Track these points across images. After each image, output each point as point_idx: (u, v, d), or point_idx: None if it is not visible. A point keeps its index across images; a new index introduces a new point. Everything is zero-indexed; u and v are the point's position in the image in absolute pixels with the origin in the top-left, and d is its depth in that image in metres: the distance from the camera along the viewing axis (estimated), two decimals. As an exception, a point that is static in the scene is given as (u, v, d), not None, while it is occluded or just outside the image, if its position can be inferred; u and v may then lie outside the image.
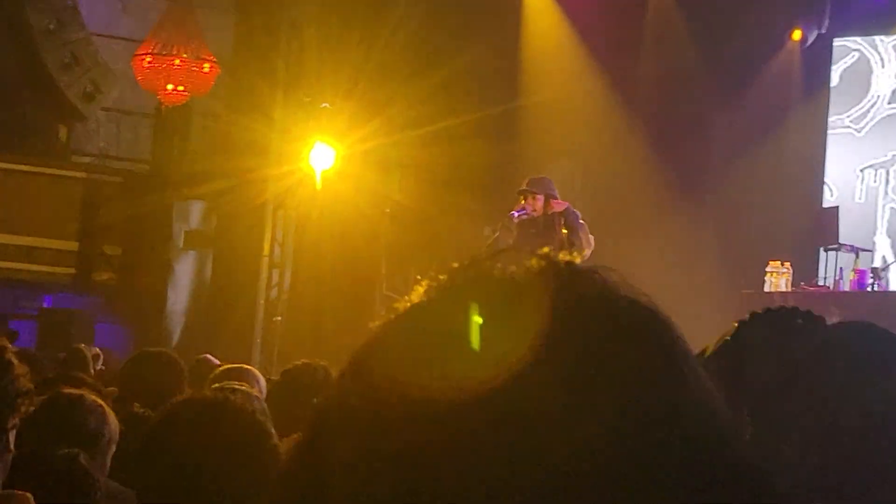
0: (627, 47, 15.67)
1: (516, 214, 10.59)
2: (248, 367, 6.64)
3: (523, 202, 10.66)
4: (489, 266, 0.94)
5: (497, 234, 10.93)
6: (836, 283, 13.69)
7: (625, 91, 15.70)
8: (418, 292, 0.95)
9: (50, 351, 12.31)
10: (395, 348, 0.92)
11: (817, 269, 14.49)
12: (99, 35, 14.88)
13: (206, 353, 10.54)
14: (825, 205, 15.43)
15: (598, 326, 0.91)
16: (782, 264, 13.49)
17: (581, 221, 10.67)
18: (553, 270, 0.93)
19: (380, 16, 14.32)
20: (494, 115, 15.17)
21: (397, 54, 14.57)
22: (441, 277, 0.95)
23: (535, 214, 10.60)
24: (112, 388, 6.51)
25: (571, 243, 10.46)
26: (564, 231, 10.56)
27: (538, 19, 15.74)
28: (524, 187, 10.74)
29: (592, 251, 10.65)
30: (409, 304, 0.95)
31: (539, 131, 15.96)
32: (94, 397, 4.38)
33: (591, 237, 10.74)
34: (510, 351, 0.87)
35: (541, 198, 10.60)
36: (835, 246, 14.19)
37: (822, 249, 14.55)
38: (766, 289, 13.41)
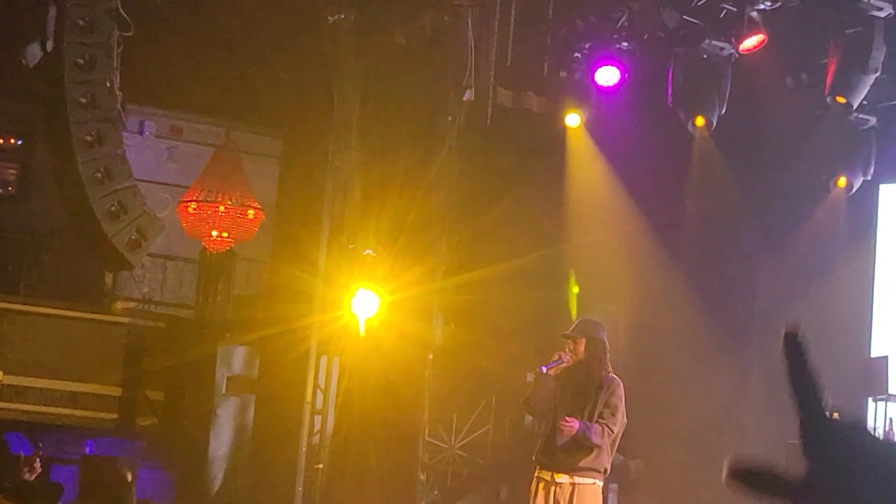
0: (672, 193, 15.70)
1: (545, 369, 10.49)
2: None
3: (568, 348, 10.57)
4: None
5: (533, 385, 10.83)
6: (887, 434, 13.46)
7: (669, 236, 15.69)
8: None
9: (92, 500, 12.25)
10: None
11: (866, 419, 14.27)
12: (145, 181, 15.06)
13: (247, 499, 10.49)
14: (874, 354, 15.25)
15: None
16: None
17: (618, 397, 10.51)
18: None
19: (423, 163, 14.42)
20: (538, 260, 15.18)
21: (440, 201, 14.64)
22: None
23: (572, 361, 10.49)
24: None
25: (601, 415, 10.35)
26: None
27: (582, 165, 15.80)
28: (568, 332, 10.67)
29: (627, 404, 10.52)
30: None
31: (582, 275, 15.94)
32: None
33: (624, 413, 10.57)
34: None
35: (582, 341, 10.51)
36: (884, 396, 14.00)
37: (870, 399, 14.35)
38: (815, 439, 13.18)
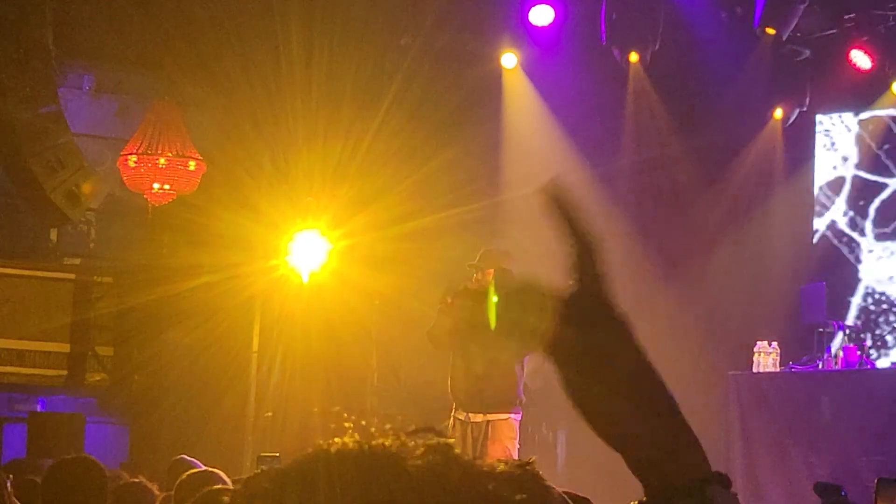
0: (608, 138, 15.75)
1: (450, 300, 10.54)
2: (215, 471, 6.61)
3: (475, 278, 10.61)
4: None
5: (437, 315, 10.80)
6: (826, 361, 13.65)
7: (606, 181, 15.69)
8: None
9: (41, 456, 12.28)
10: None
11: (804, 347, 14.45)
12: (84, 135, 14.94)
13: (198, 449, 10.52)
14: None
15: None
16: (769, 344, 13.45)
17: None
18: None
19: (365, 111, 14.39)
20: (479, 209, 15.19)
21: (383, 149, 14.62)
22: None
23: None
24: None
25: None
26: None
27: (520, 114, 15.80)
28: (475, 261, 10.69)
29: None
30: None
31: (522, 225, 16.00)
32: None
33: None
34: None
35: (489, 272, 10.51)
36: (821, 323, 14.17)
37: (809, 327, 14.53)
38: (755, 369, 13.38)
